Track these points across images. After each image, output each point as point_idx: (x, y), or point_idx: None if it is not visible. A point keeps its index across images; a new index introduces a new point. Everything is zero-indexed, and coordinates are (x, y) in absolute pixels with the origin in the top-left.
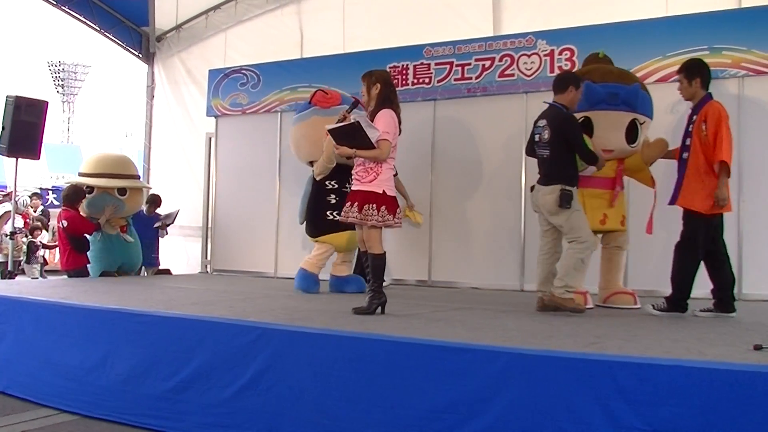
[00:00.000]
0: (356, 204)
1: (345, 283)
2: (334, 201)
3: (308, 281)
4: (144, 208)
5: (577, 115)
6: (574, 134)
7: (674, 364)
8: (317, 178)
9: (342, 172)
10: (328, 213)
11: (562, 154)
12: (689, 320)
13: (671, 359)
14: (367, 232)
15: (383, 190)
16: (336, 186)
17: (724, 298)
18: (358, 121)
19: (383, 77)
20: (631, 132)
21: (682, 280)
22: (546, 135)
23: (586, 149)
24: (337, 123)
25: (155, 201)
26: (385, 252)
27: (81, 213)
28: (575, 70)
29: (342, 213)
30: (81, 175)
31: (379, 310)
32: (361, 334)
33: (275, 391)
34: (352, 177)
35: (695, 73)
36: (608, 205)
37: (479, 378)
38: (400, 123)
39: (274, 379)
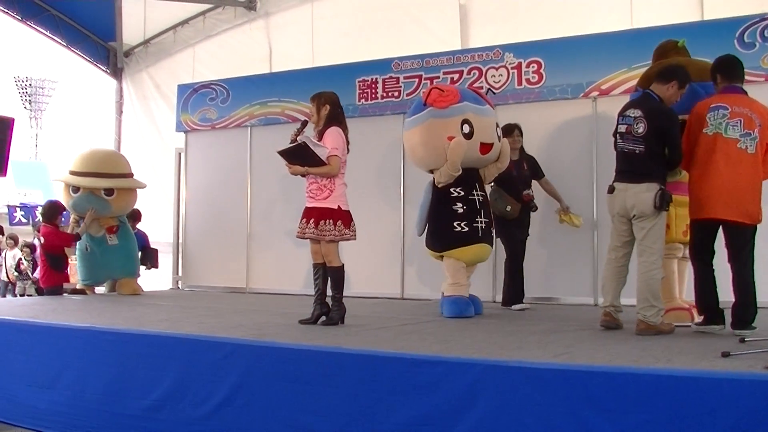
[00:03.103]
0: (312, 220)
1: None
2: (462, 210)
3: (457, 306)
4: None
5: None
6: (675, 133)
7: (643, 372)
8: (439, 186)
9: (469, 178)
10: (455, 224)
11: (658, 151)
12: None
13: (640, 367)
14: (326, 246)
15: (338, 206)
16: (462, 193)
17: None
18: (304, 142)
19: (331, 98)
20: None
21: (698, 291)
22: (641, 129)
23: (680, 153)
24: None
25: (134, 216)
26: (343, 264)
27: (61, 223)
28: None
29: (298, 230)
30: (70, 173)
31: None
32: (331, 348)
33: (251, 407)
34: (306, 195)
35: (714, 70)
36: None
37: (451, 390)
38: (348, 143)
39: (249, 395)
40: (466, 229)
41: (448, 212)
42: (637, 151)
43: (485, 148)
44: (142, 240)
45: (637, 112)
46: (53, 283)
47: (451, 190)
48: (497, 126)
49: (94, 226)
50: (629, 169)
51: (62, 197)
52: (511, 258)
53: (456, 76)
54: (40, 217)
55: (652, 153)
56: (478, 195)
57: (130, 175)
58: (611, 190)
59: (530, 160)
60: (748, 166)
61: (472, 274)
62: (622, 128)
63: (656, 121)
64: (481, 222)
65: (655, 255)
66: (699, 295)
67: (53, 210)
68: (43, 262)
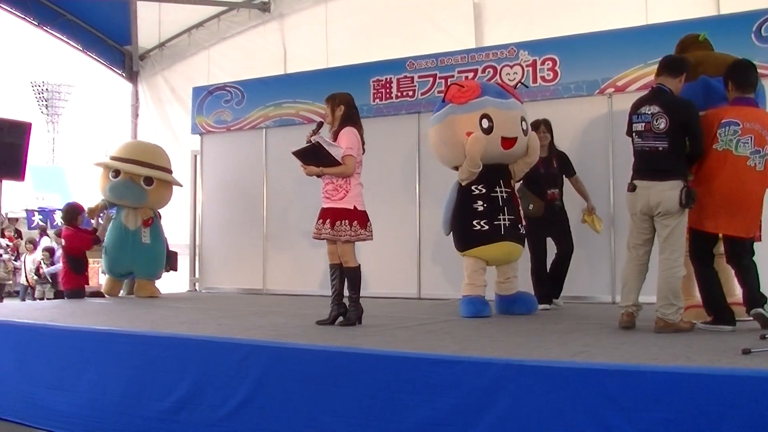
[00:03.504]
0: (328, 221)
1: (511, 302)
2: (482, 208)
3: (474, 305)
4: None
5: None
6: (698, 125)
7: (662, 371)
8: (462, 184)
9: (492, 174)
10: (475, 222)
11: (681, 147)
12: None
13: (659, 366)
14: (342, 247)
15: (354, 206)
16: (484, 191)
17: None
18: (318, 142)
19: (346, 99)
20: None
21: (703, 293)
22: (662, 124)
23: (703, 146)
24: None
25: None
26: (359, 264)
27: (82, 224)
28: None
29: (314, 231)
30: (111, 158)
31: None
32: (348, 348)
33: (270, 407)
34: (322, 195)
35: (726, 76)
36: None
37: (470, 390)
38: (364, 143)
39: (268, 396)
40: (486, 227)
41: (469, 211)
42: (660, 148)
43: (508, 142)
44: None
45: (655, 108)
46: (73, 286)
47: (473, 188)
48: (523, 120)
49: (131, 218)
50: (651, 167)
51: (100, 182)
52: (534, 257)
53: (471, 75)
54: (59, 221)
55: (675, 148)
56: (501, 192)
57: (170, 172)
58: (632, 188)
59: (561, 156)
60: (755, 183)
61: (513, 273)
62: (640, 126)
63: (678, 114)
64: (504, 219)
65: (677, 252)
66: (705, 297)
67: (73, 212)
68: (64, 264)
